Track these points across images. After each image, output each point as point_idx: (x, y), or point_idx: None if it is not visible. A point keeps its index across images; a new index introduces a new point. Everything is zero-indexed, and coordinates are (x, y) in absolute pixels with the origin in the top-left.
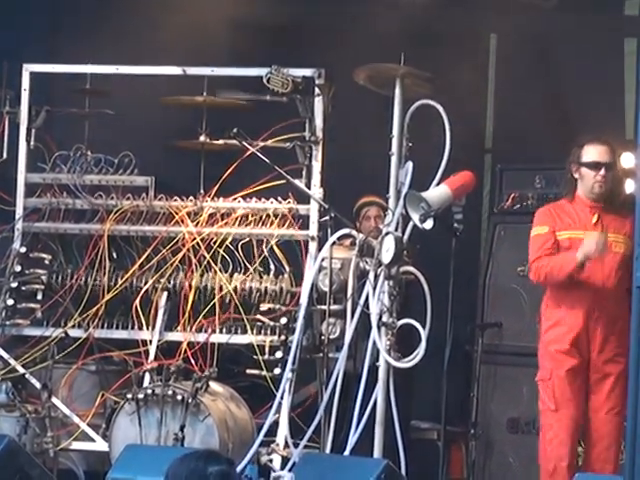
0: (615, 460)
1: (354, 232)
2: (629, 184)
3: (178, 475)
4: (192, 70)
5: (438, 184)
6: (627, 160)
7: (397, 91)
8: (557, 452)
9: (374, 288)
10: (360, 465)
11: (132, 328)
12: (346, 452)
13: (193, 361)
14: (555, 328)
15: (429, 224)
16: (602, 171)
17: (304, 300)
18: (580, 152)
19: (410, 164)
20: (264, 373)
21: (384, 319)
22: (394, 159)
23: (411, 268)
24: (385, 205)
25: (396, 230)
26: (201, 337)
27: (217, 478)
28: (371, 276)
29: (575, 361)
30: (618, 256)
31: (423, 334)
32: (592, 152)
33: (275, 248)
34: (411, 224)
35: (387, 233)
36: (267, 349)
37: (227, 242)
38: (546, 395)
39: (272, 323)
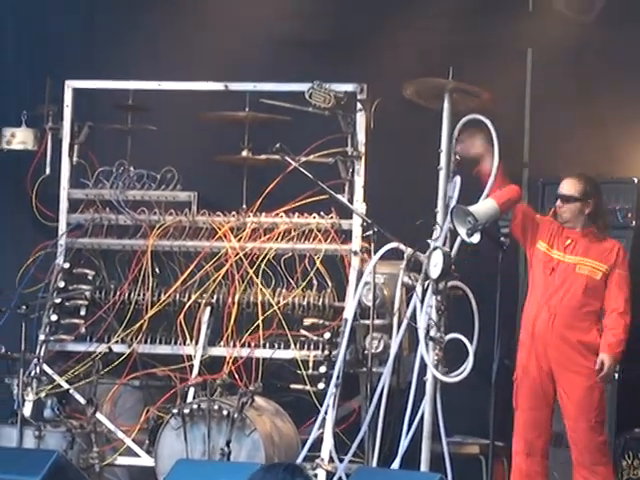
0: None
1: (401, 246)
2: None
3: None
4: (234, 86)
5: (485, 198)
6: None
7: (446, 105)
8: None
9: (422, 302)
10: (414, 479)
11: (175, 343)
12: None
13: (237, 376)
14: None
15: (476, 238)
16: (558, 202)
17: (349, 314)
18: None
19: (458, 178)
20: (308, 388)
21: (432, 334)
22: (442, 173)
23: (459, 283)
24: None
25: (444, 245)
26: (244, 352)
27: None
28: (419, 290)
29: None
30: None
31: (471, 349)
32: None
33: (318, 263)
34: (459, 239)
35: (435, 248)
36: (311, 364)
37: (270, 257)
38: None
39: (315, 338)
